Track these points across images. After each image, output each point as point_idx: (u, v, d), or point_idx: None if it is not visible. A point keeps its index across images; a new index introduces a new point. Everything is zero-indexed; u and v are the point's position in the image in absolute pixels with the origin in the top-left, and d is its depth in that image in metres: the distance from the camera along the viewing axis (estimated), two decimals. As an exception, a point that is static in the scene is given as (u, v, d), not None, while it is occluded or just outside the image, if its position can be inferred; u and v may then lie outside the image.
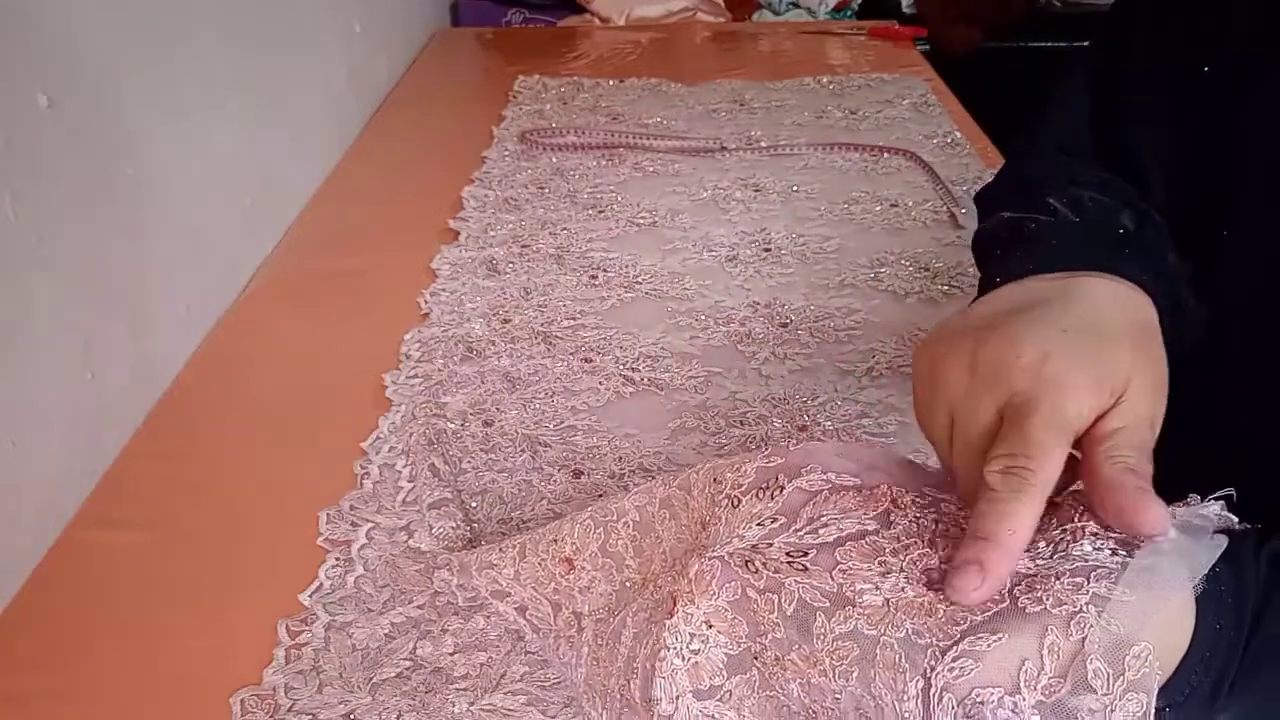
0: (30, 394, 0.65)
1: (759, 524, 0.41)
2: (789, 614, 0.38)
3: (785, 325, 0.86)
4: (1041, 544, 0.38)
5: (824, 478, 0.42)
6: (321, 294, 0.93)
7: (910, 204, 1.07)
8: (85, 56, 0.71)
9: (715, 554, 0.41)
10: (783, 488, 0.42)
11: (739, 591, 0.39)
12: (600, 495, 0.67)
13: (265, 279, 0.96)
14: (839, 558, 0.39)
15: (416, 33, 1.63)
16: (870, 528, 0.40)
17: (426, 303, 0.89)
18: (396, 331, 0.85)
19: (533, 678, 0.54)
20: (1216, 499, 0.39)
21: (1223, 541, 0.37)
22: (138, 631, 0.58)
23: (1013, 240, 0.48)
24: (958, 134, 1.24)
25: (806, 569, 0.39)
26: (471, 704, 0.52)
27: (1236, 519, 0.39)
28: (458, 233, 1.02)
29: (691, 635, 0.40)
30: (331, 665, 0.55)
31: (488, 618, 0.57)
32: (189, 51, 0.87)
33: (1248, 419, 0.53)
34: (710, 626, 0.40)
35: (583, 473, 0.69)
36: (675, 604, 0.40)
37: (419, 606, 0.58)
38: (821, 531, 0.40)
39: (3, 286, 0.62)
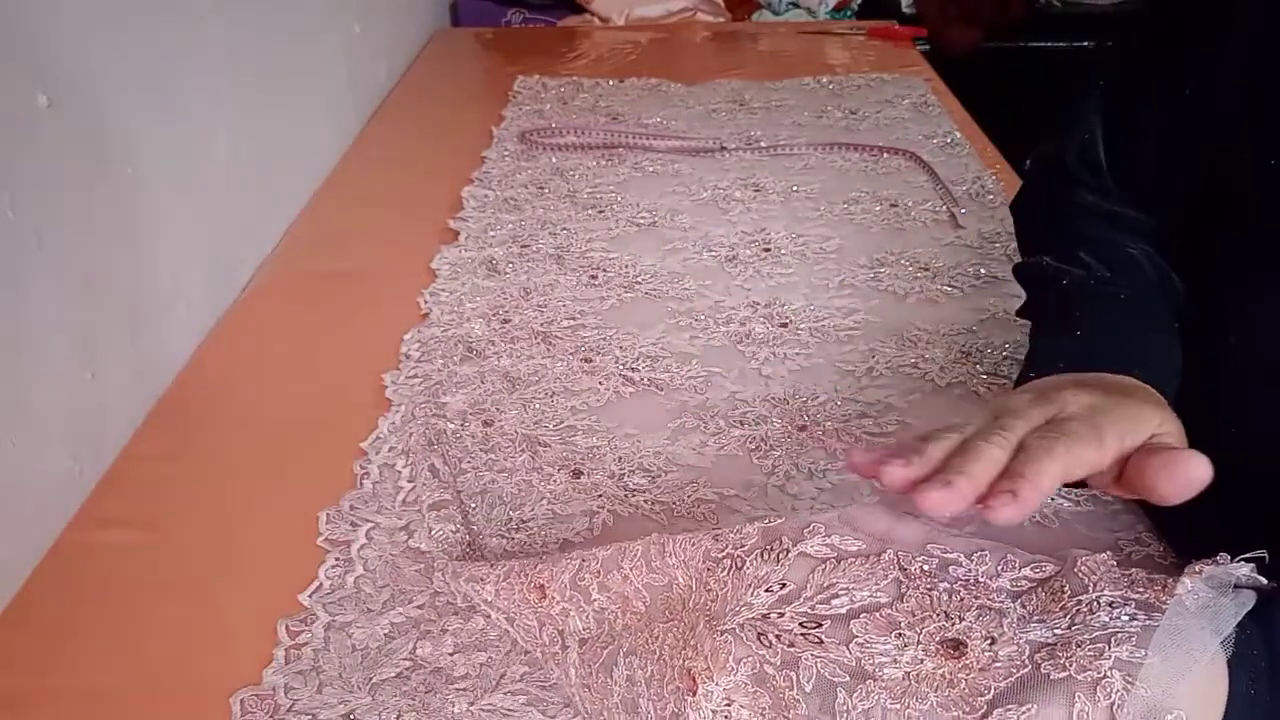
0: (30, 394, 0.65)
1: (766, 589, 0.41)
2: (809, 690, 0.38)
3: (785, 325, 0.86)
4: (1059, 615, 0.38)
5: (828, 542, 0.42)
6: (321, 294, 0.93)
7: (910, 204, 1.07)
8: (85, 56, 0.71)
9: (726, 627, 0.40)
10: (787, 550, 0.42)
11: (757, 666, 0.39)
12: (600, 495, 0.67)
13: (265, 279, 0.96)
14: (854, 630, 0.39)
15: (416, 33, 1.63)
16: (883, 600, 0.40)
17: (426, 303, 0.90)
18: (396, 331, 0.85)
19: (532, 678, 0.54)
20: (1247, 559, 0.39)
21: (1249, 599, 0.37)
22: (138, 631, 0.58)
23: (1058, 316, 0.57)
24: (957, 134, 1.24)
25: (821, 641, 0.39)
26: (471, 704, 0.52)
27: (1266, 580, 0.39)
28: (457, 233, 1.02)
29: (714, 713, 0.40)
30: (331, 665, 0.55)
31: (487, 618, 0.57)
32: (189, 52, 0.87)
33: (1257, 425, 0.53)
34: (731, 704, 0.40)
35: (583, 473, 0.69)
36: (695, 682, 0.40)
37: (419, 606, 0.58)
38: (834, 602, 0.40)
39: (2, 286, 0.62)
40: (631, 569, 0.48)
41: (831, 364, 0.81)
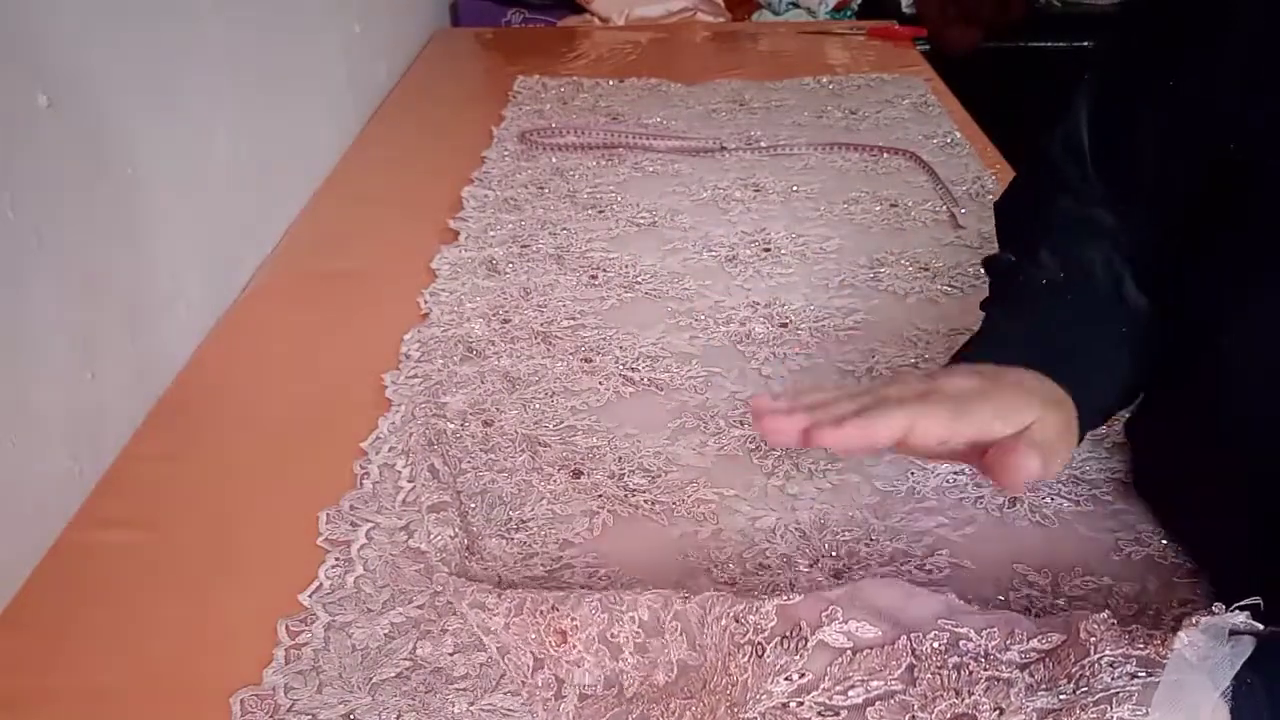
0: (30, 394, 0.65)
1: (786, 678, 0.43)
2: None
3: (785, 325, 0.86)
4: (1063, 680, 0.40)
5: (844, 630, 0.44)
6: (321, 294, 0.93)
7: (910, 204, 1.07)
8: (85, 56, 0.71)
9: (748, 715, 0.42)
10: (805, 639, 0.44)
11: None
12: (600, 495, 0.67)
13: (265, 279, 0.96)
14: (869, 718, 0.41)
15: (416, 33, 1.63)
16: (896, 688, 0.42)
17: (426, 303, 0.89)
18: (396, 331, 0.85)
19: (533, 678, 0.54)
20: (1241, 607, 0.40)
21: (1247, 646, 0.38)
22: (138, 631, 0.58)
23: (1002, 307, 0.61)
24: (957, 134, 1.24)
25: None
26: (471, 704, 0.52)
27: (1263, 626, 0.40)
28: (457, 233, 1.02)
29: None
30: (331, 665, 0.55)
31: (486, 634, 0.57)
32: (189, 52, 0.87)
33: (1256, 417, 0.53)
34: None
35: (583, 473, 0.69)
36: None
37: (419, 606, 0.58)
38: (850, 693, 0.42)
39: (2, 286, 0.62)
40: (671, 640, 0.49)
41: (831, 364, 0.81)
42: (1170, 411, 0.60)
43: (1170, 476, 0.62)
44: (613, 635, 0.50)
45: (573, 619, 0.51)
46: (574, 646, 0.51)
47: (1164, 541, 0.62)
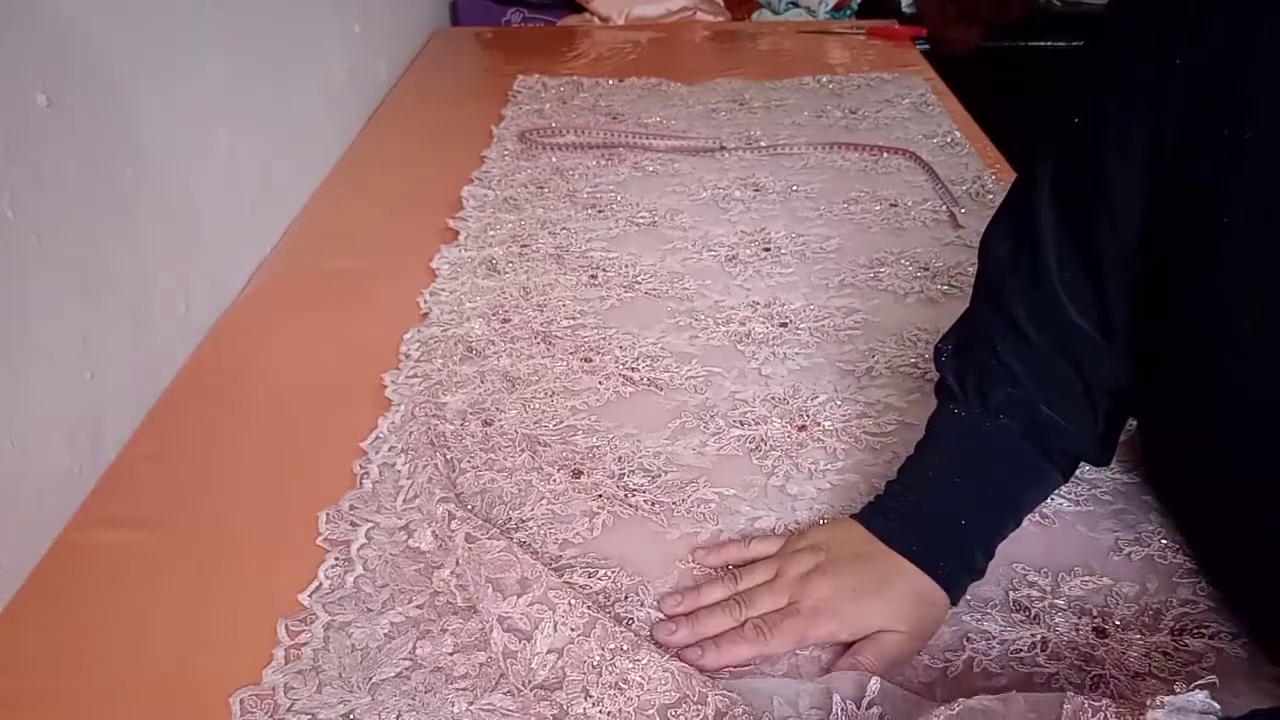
0: (29, 394, 0.65)
1: None
2: None
3: (785, 325, 0.86)
4: None
5: None
6: (321, 294, 0.93)
7: (910, 204, 1.07)
8: (85, 56, 0.71)
9: None
10: None
11: None
12: (600, 495, 0.67)
13: (265, 279, 0.96)
14: None
15: (416, 32, 1.63)
16: None
17: (426, 302, 0.89)
18: (396, 331, 0.85)
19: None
20: (1200, 686, 0.43)
21: None
22: (138, 631, 0.58)
23: (931, 443, 0.64)
24: (957, 134, 1.24)
25: None
26: (471, 704, 0.52)
27: (1219, 706, 0.42)
28: (457, 232, 1.02)
29: None
30: (331, 665, 0.55)
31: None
32: (189, 51, 0.87)
33: (1246, 435, 0.53)
34: None
35: (583, 473, 0.69)
36: None
37: (418, 606, 0.58)
38: None
39: (2, 286, 0.62)
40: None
41: (831, 364, 0.81)
42: (1171, 428, 0.60)
43: (1173, 474, 0.62)
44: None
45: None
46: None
47: (1164, 541, 0.62)
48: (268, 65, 1.03)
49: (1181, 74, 0.52)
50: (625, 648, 0.54)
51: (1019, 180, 0.66)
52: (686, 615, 0.58)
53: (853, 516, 0.62)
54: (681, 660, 0.54)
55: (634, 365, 0.81)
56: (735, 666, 0.55)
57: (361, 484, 0.68)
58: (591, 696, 0.52)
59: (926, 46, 1.77)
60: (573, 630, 0.55)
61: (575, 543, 0.63)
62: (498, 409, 0.75)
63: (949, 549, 0.59)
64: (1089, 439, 0.62)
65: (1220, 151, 0.51)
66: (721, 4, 1.86)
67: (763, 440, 0.72)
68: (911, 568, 0.58)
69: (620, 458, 0.71)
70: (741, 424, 0.74)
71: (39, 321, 0.66)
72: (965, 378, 0.63)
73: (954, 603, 0.58)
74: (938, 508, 0.60)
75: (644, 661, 0.53)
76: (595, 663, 0.53)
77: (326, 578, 0.61)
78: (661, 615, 0.58)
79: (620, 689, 0.52)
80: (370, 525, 0.64)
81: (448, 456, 0.70)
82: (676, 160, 1.18)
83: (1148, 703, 0.42)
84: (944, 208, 1.06)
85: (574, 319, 0.87)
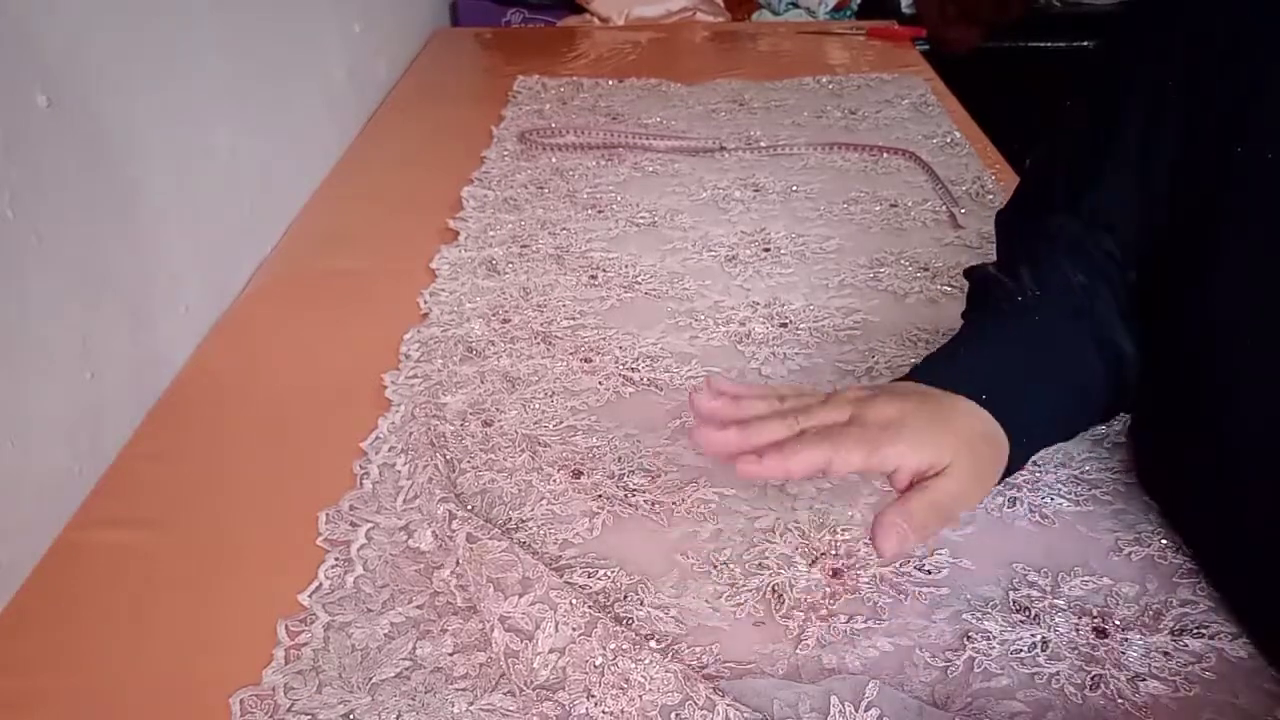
0: (29, 394, 0.65)
1: None
2: None
3: (785, 325, 0.86)
4: None
5: None
6: (321, 294, 0.93)
7: (910, 204, 1.07)
8: (85, 56, 0.71)
9: None
10: None
11: None
12: (600, 495, 0.67)
13: (265, 279, 0.96)
14: None
15: (416, 33, 1.63)
16: None
17: (426, 303, 0.89)
18: (396, 331, 0.85)
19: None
20: None
21: None
22: (138, 631, 0.58)
23: (972, 320, 0.63)
24: (957, 134, 1.24)
25: None
26: (471, 704, 0.52)
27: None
28: (457, 233, 1.02)
29: None
30: (331, 665, 0.55)
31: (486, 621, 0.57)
32: (189, 51, 0.87)
33: (1247, 427, 0.53)
34: None
35: (582, 473, 0.69)
36: None
37: (418, 606, 0.58)
38: None
39: (2, 286, 0.62)
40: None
41: (831, 364, 0.81)
42: (1170, 421, 0.60)
43: (1171, 475, 0.62)
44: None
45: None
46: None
47: (1164, 541, 0.62)
48: (268, 65, 1.03)
49: (1182, 75, 0.52)
50: (627, 648, 0.54)
51: (1034, 160, 0.65)
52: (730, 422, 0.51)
53: (899, 379, 0.58)
54: (737, 464, 0.49)
55: (634, 365, 0.81)
56: (801, 476, 0.50)
57: (361, 484, 0.68)
58: (594, 696, 0.52)
59: (926, 47, 1.77)
60: (574, 630, 0.55)
61: (575, 543, 0.63)
62: (498, 409, 0.75)
63: (1011, 398, 0.55)
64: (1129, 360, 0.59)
65: (1222, 155, 0.51)
66: (721, 4, 1.86)
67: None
68: (973, 406, 0.54)
69: (620, 458, 0.71)
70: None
71: (39, 321, 0.66)
72: (1015, 269, 0.60)
73: (1012, 461, 0.54)
74: (998, 358, 0.57)
75: (646, 662, 0.53)
76: (597, 663, 0.53)
77: (326, 578, 0.61)
78: (665, 616, 0.58)
79: (623, 689, 0.52)
80: (370, 525, 0.64)
81: (448, 457, 0.70)
82: (676, 160, 1.18)
83: None
84: (944, 208, 1.06)
85: (574, 319, 0.87)
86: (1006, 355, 0.58)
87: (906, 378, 0.58)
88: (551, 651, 0.54)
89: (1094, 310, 0.59)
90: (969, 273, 0.67)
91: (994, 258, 0.70)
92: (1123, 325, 0.59)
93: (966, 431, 0.53)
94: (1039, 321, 0.59)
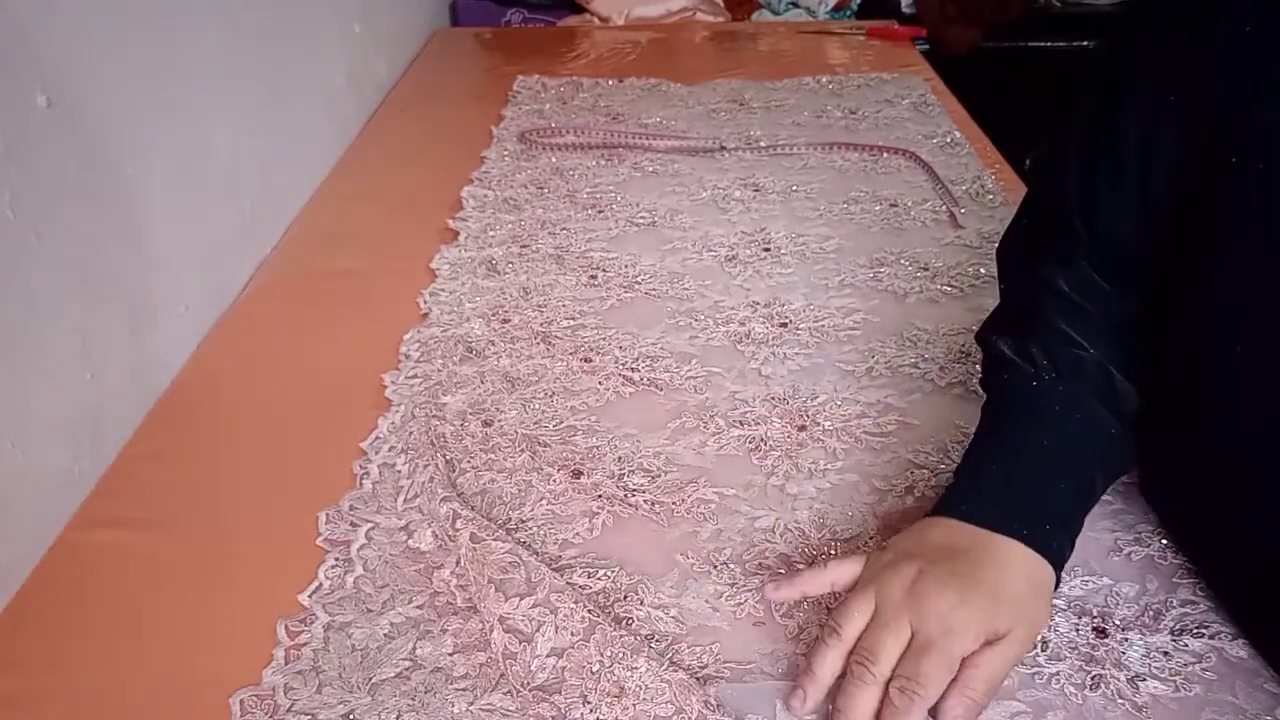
0: (30, 394, 0.65)
1: None
2: None
3: (785, 325, 0.86)
4: None
5: None
6: (321, 294, 0.93)
7: (910, 204, 1.07)
8: (85, 56, 0.71)
9: None
10: None
11: None
12: (600, 495, 0.67)
13: (265, 279, 0.96)
14: None
15: (416, 33, 1.63)
16: None
17: (426, 303, 0.89)
18: (396, 331, 0.85)
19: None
20: None
21: None
22: (137, 632, 0.58)
23: (994, 418, 0.62)
24: (957, 134, 1.24)
25: None
26: (471, 704, 0.52)
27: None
28: (457, 233, 1.02)
29: None
30: (331, 665, 0.55)
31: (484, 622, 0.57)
32: (188, 52, 0.87)
33: (1242, 427, 0.53)
34: None
35: (582, 473, 0.69)
36: None
37: (418, 606, 0.58)
38: None
39: (2, 286, 0.62)
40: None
41: (831, 364, 0.81)
42: (1163, 422, 0.60)
43: (1171, 476, 0.62)
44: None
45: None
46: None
47: (1164, 541, 0.62)
48: (267, 65, 1.03)
49: (1181, 75, 0.52)
50: (624, 654, 0.54)
51: (1037, 177, 0.65)
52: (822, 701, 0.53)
53: (931, 514, 0.58)
54: None
55: (634, 365, 0.81)
56: None
57: (361, 484, 0.68)
58: (589, 703, 0.52)
59: (926, 46, 1.77)
60: (573, 635, 0.55)
61: (575, 543, 0.63)
62: (498, 409, 0.75)
63: (1055, 520, 0.56)
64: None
65: (1223, 156, 0.51)
66: (721, 4, 1.86)
67: (763, 440, 0.72)
68: (1020, 551, 0.54)
69: (620, 458, 0.71)
70: (741, 424, 0.74)
71: (39, 321, 0.66)
72: (1027, 347, 0.61)
73: (1058, 582, 0.55)
74: (1033, 478, 0.57)
75: (642, 670, 0.53)
76: (594, 670, 0.53)
77: (326, 578, 0.61)
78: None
79: (617, 697, 0.52)
80: (370, 525, 0.64)
81: (447, 457, 0.70)
82: (676, 160, 1.18)
83: None
84: (944, 208, 1.06)
85: (574, 319, 0.87)
86: (1037, 475, 0.57)
87: (941, 507, 0.57)
88: (550, 655, 0.54)
89: (1113, 388, 0.59)
90: (981, 338, 0.66)
91: (994, 257, 0.70)
92: (1137, 390, 0.60)
93: (1022, 595, 0.53)
94: (1059, 412, 0.59)
